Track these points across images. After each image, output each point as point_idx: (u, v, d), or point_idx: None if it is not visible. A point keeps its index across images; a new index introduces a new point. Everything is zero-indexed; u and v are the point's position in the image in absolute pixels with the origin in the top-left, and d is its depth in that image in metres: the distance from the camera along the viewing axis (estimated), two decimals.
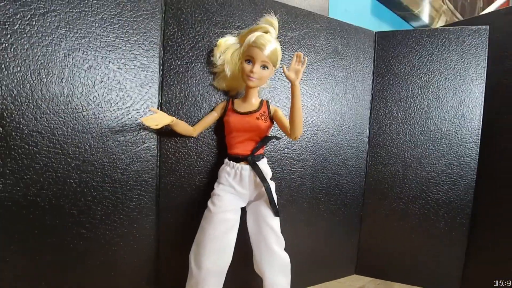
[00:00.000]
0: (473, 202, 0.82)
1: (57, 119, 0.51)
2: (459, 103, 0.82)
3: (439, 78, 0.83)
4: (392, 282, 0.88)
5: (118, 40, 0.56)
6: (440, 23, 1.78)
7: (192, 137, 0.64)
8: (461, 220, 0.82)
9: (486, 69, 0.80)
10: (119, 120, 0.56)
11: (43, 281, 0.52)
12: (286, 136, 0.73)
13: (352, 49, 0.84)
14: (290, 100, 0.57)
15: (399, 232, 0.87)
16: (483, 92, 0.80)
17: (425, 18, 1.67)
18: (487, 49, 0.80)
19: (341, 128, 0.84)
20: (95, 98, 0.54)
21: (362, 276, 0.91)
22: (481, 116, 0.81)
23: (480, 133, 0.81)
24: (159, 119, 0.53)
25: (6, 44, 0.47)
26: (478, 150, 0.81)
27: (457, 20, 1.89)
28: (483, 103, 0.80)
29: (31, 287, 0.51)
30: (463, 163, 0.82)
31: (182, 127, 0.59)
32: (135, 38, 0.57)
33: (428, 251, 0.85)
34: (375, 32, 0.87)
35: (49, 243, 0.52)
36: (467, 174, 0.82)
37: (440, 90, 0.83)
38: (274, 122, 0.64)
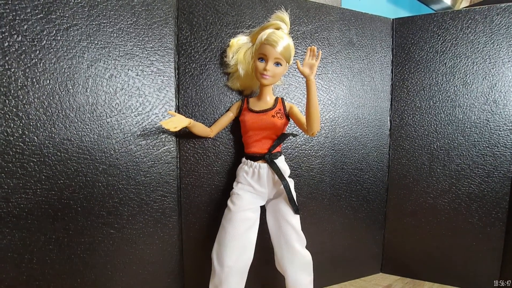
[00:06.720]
0: (510, 195, 0.76)
1: (84, 127, 0.54)
2: (489, 88, 0.76)
3: (466, 63, 0.77)
4: (421, 281, 0.84)
5: (135, 48, 0.58)
6: (464, 3, 1.66)
7: (210, 138, 0.65)
8: (497, 215, 0.77)
9: None
10: (140, 124, 0.59)
11: (78, 278, 0.56)
12: (303, 133, 0.73)
13: (368, 39, 0.81)
14: (305, 96, 0.56)
15: (428, 228, 0.82)
16: None
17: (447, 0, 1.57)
18: None
19: (360, 122, 0.81)
20: (117, 105, 0.57)
21: (389, 275, 0.88)
22: None
23: None
24: (177, 122, 0.54)
25: (36, 60, 0.50)
26: None
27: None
28: None
29: (68, 284, 0.55)
30: (497, 152, 0.76)
31: (199, 128, 0.60)
32: (151, 45, 0.59)
33: (461, 247, 0.80)
34: (392, 19, 0.83)
35: (82, 242, 0.56)
36: (502, 164, 0.76)
37: (468, 76, 0.77)
38: (290, 119, 0.64)
